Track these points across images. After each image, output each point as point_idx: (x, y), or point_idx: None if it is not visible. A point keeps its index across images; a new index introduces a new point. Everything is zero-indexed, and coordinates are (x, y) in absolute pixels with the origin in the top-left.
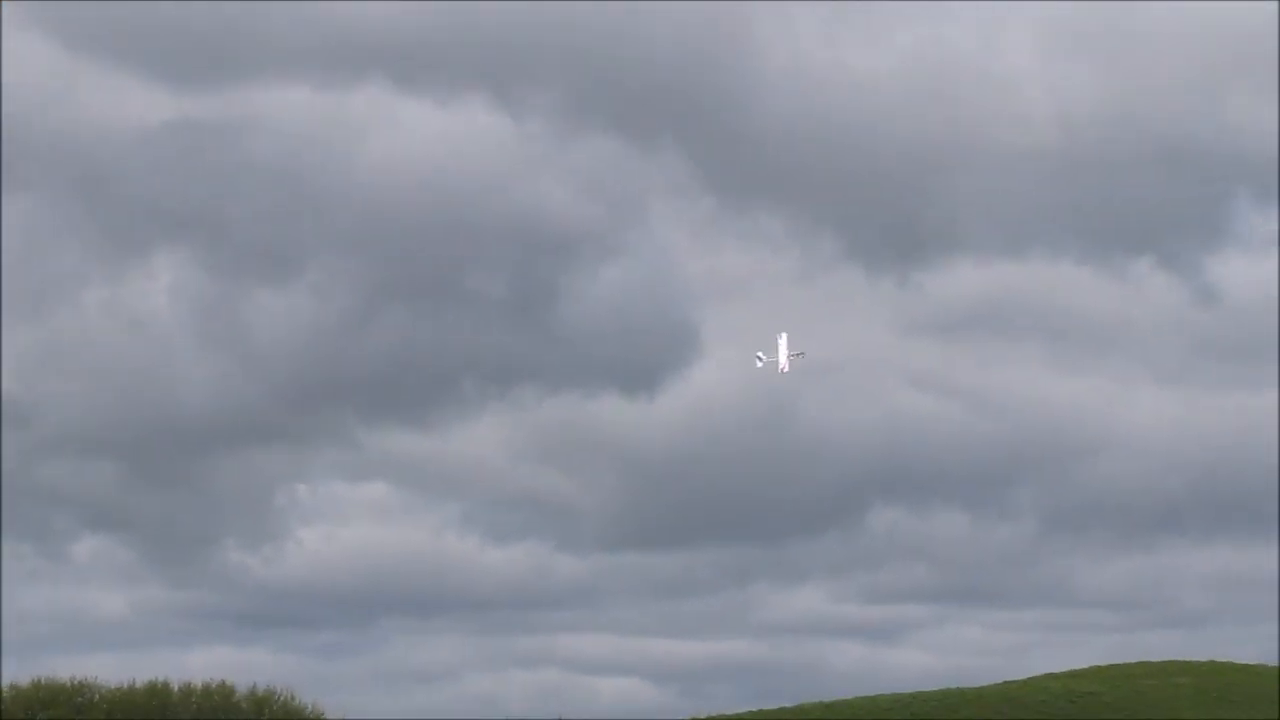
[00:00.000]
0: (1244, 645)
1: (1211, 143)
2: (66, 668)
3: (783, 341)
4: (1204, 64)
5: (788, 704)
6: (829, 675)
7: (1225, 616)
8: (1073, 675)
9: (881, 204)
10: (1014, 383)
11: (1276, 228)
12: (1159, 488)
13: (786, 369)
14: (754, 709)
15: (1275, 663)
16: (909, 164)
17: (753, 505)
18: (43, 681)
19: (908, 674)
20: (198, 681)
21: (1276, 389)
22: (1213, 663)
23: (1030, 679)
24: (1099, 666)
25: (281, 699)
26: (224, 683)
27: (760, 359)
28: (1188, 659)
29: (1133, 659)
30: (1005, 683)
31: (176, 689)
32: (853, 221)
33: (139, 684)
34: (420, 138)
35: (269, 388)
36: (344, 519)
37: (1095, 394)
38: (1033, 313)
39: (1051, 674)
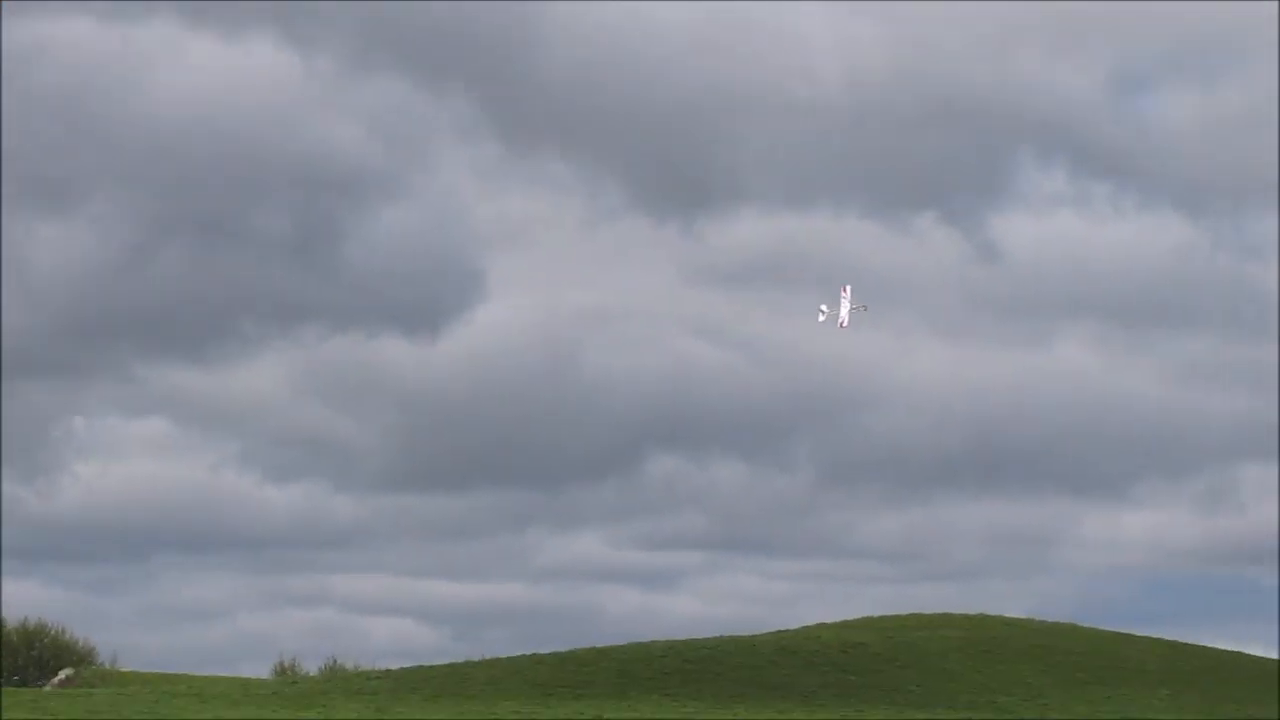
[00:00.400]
0: (1012, 599)
1: (995, 100)
2: None
3: (846, 295)
4: (990, 22)
5: (562, 648)
6: (605, 620)
7: (995, 570)
8: (845, 625)
9: (668, 153)
10: (795, 334)
11: (1058, 186)
12: (935, 442)
13: (846, 324)
14: (528, 652)
15: (1041, 617)
16: (696, 113)
17: (533, 450)
18: None
19: (682, 620)
20: None
21: (1051, 346)
22: (982, 616)
23: (803, 628)
24: (870, 617)
25: (52, 633)
26: None
27: (823, 311)
28: (957, 612)
29: (904, 610)
30: (778, 631)
31: None
32: (639, 169)
33: None
34: (207, 73)
35: (46, 320)
36: (121, 454)
37: (875, 347)
38: (815, 265)
39: (824, 624)
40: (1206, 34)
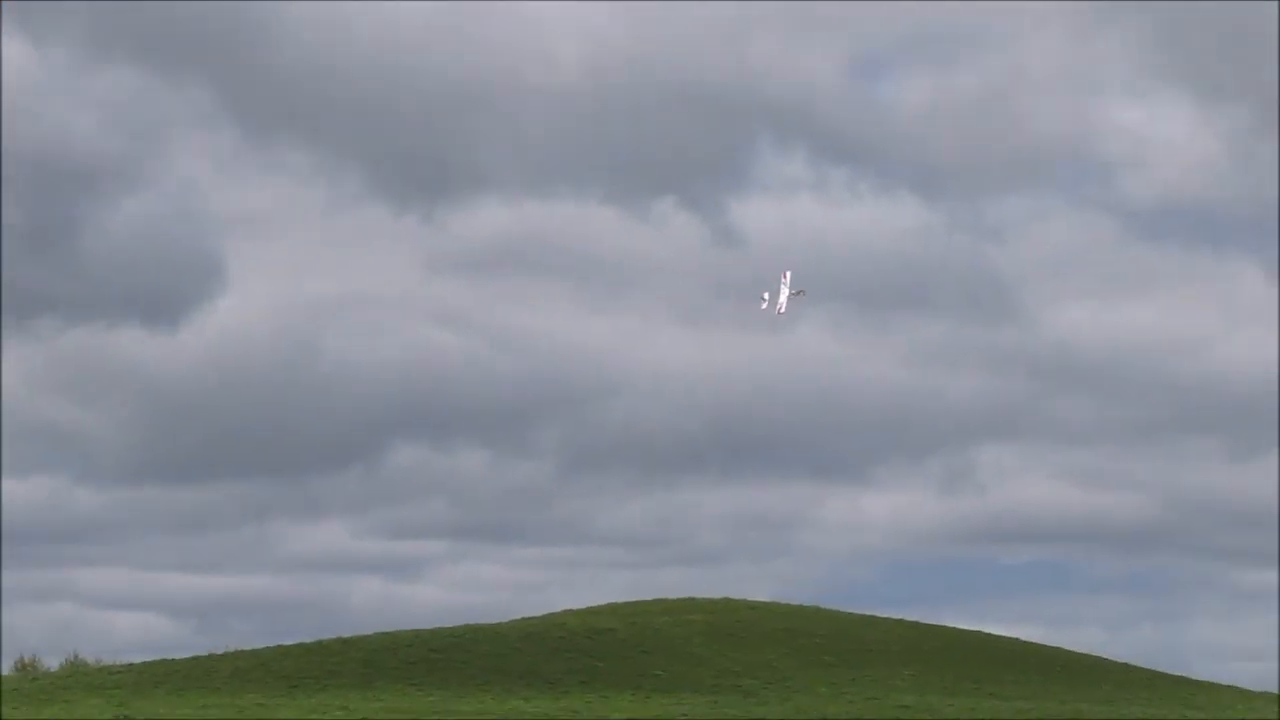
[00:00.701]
0: (757, 583)
1: (734, 87)
2: None
3: (785, 280)
4: (728, 9)
5: (307, 639)
6: (349, 611)
7: (739, 554)
8: (591, 612)
9: (408, 141)
10: (538, 321)
11: (796, 171)
12: (678, 427)
13: (784, 310)
14: (273, 644)
15: (785, 600)
16: (436, 102)
17: (275, 440)
18: None
19: (427, 610)
20: None
21: (793, 330)
22: (726, 600)
23: (548, 615)
24: (616, 604)
25: None
26: None
27: (764, 299)
28: (702, 596)
29: (650, 596)
30: (524, 619)
31: None
32: (379, 158)
33: None
34: None
35: None
36: None
37: (618, 334)
38: (558, 252)
39: (570, 610)
40: (941, 20)
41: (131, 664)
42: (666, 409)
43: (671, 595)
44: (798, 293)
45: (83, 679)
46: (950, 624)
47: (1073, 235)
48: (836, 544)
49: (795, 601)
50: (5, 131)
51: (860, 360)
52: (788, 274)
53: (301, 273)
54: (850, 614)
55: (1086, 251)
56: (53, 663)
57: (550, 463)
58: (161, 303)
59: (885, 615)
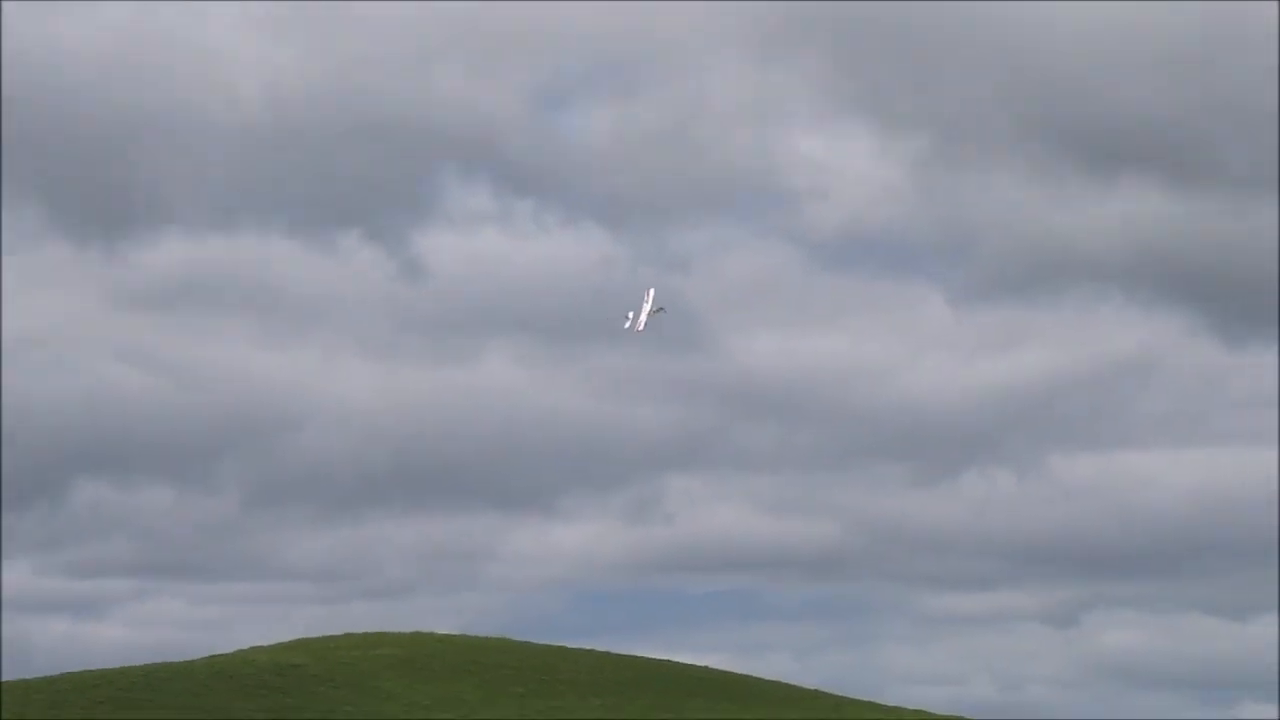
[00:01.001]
0: (445, 616)
1: (417, 118)
2: None
3: (648, 298)
4: (409, 40)
5: None
6: (33, 653)
7: (427, 587)
8: (282, 647)
9: (88, 176)
10: (222, 357)
11: (481, 203)
12: (363, 460)
13: (642, 328)
14: None
15: (474, 632)
16: (116, 136)
17: None
18: None
19: (114, 649)
20: None
21: (480, 362)
22: (415, 634)
23: (237, 651)
24: (305, 639)
25: None
26: None
27: (628, 318)
28: (391, 630)
29: (338, 631)
30: (213, 656)
31: None
32: (58, 194)
33: None
34: None
35: None
36: None
37: (302, 368)
38: (242, 286)
39: (259, 646)
40: (622, 52)
41: None
42: (351, 442)
43: (360, 629)
44: (658, 310)
45: None
46: (640, 653)
47: (758, 265)
48: (525, 575)
49: (484, 633)
50: None
51: (547, 391)
52: (650, 292)
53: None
54: (539, 645)
55: (772, 281)
56: None
57: (235, 498)
58: None
59: (575, 646)
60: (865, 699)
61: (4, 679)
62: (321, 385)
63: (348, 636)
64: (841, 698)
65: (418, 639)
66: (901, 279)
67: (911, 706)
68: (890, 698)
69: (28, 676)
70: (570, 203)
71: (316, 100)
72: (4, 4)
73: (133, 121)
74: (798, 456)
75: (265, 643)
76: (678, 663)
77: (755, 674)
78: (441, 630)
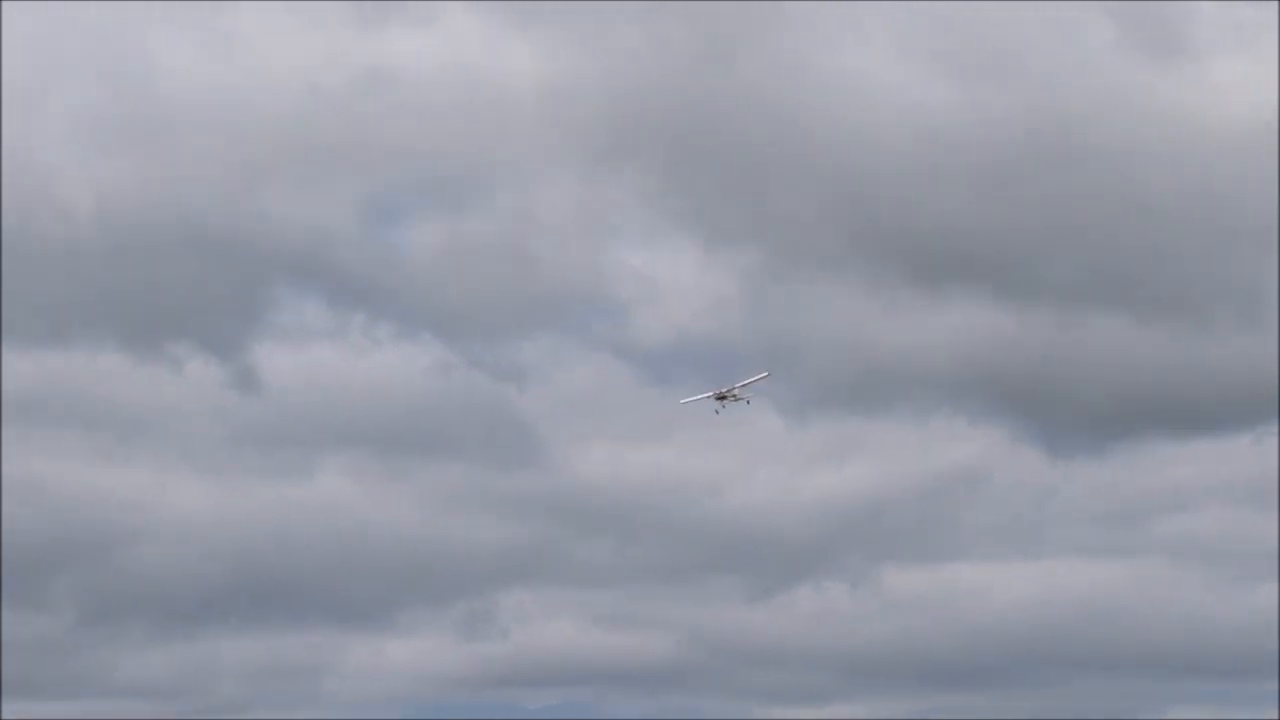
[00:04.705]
0: None
1: (250, 231)
2: None
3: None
4: (237, 153)
5: None
6: None
7: (264, 702)
8: None
9: None
10: (56, 471)
11: (315, 316)
12: (199, 575)
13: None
14: None
15: None
16: None
17: None
18: None
19: None
20: None
21: (313, 476)
22: None
23: None
24: None
25: None
26: None
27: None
28: None
29: None
30: None
31: None
32: None
33: None
34: None
35: None
36: None
37: (137, 482)
38: (75, 401)
39: None
40: (454, 165)
41: None
42: (186, 558)
43: None
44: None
45: None
46: None
47: (588, 377)
48: (363, 690)
49: None
50: None
51: (381, 505)
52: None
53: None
54: None
55: (602, 393)
56: None
57: (67, 614)
58: None
59: None
60: None
61: None
62: (156, 499)
63: None
64: None
65: None
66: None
67: None
68: None
69: None
70: (403, 315)
71: (147, 213)
72: None
73: None
74: (633, 570)
75: None
76: None
77: None
78: None
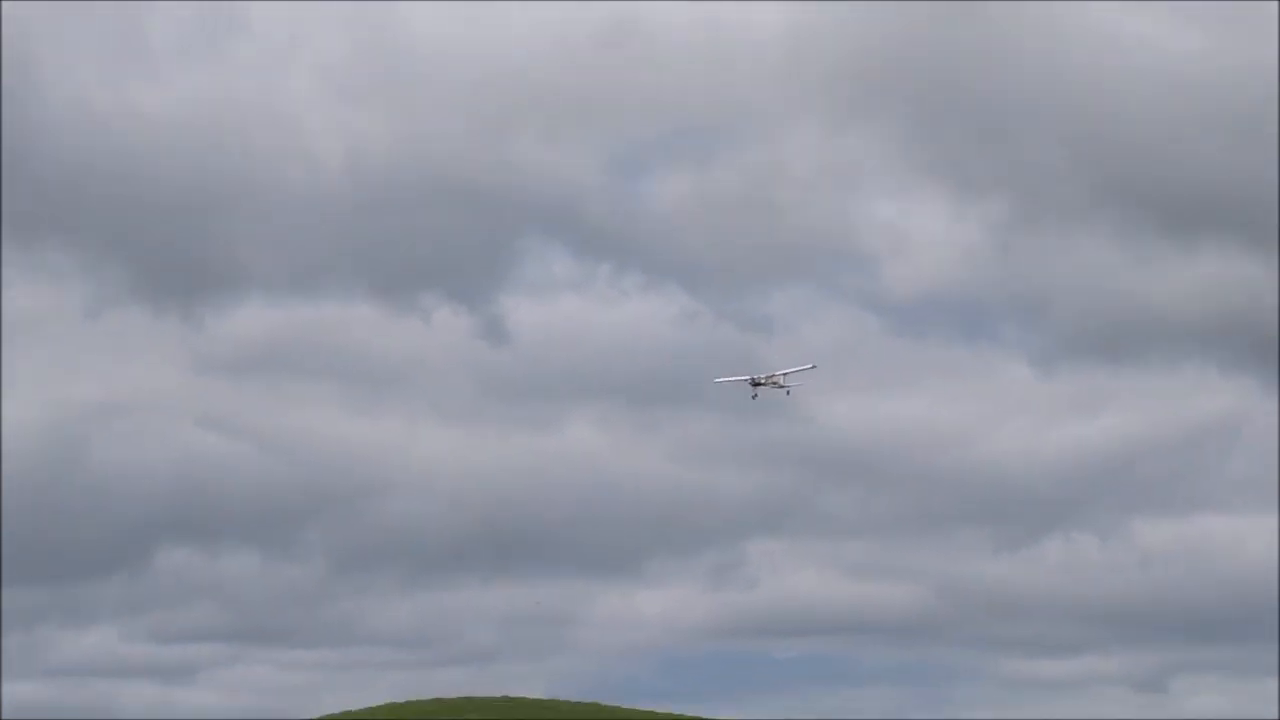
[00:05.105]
0: (531, 680)
1: (497, 183)
2: None
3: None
4: (489, 106)
5: None
6: (121, 716)
7: (513, 652)
8: (369, 712)
9: (167, 241)
10: (305, 422)
11: (562, 268)
12: (448, 526)
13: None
14: None
15: (563, 697)
16: (195, 201)
17: (40, 545)
18: None
19: (202, 713)
20: None
21: (562, 428)
22: (505, 698)
23: (327, 716)
24: (394, 703)
25: None
26: None
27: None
28: (479, 695)
29: (425, 695)
30: None
31: None
32: (138, 258)
33: None
34: None
35: None
36: None
37: (385, 433)
38: (324, 351)
39: (348, 712)
40: (700, 117)
41: None
42: (436, 507)
43: (448, 694)
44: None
45: None
46: (725, 717)
47: (837, 328)
48: (610, 640)
49: (572, 697)
50: None
51: (630, 456)
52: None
53: (65, 375)
54: (627, 709)
55: (852, 345)
56: None
57: (319, 564)
58: None
59: (661, 710)
60: None
61: None
62: (405, 450)
63: (436, 701)
64: None
65: (506, 704)
66: (980, 342)
67: None
68: None
69: None
70: (649, 266)
71: (397, 165)
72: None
73: (213, 188)
74: (879, 521)
75: (354, 708)
76: None
77: None
78: (529, 695)
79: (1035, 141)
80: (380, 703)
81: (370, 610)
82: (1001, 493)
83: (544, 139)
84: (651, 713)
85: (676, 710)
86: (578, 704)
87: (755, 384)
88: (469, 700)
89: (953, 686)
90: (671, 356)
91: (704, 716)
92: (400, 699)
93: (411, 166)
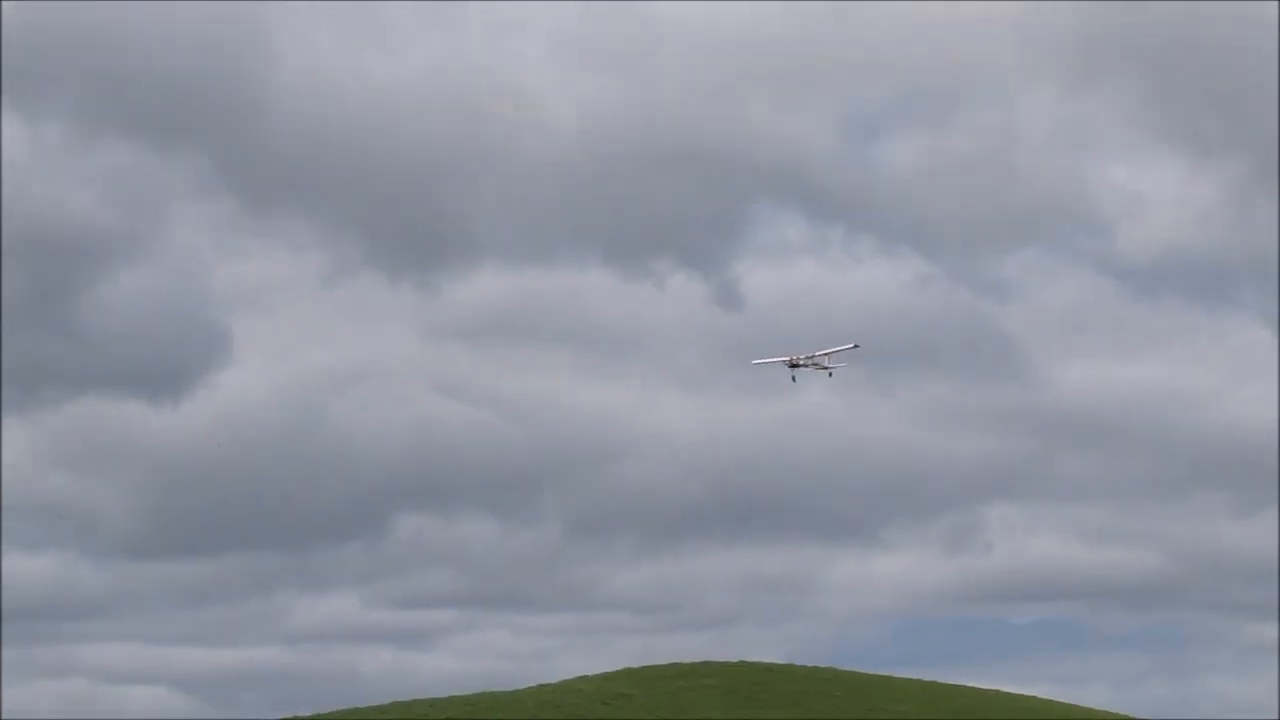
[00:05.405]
0: (768, 646)
1: (729, 148)
2: None
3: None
4: (719, 71)
5: (323, 710)
6: (360, 681)
7: (749, 617)
8: (605, 678)
9: (402, 209)
10: (541, 388)
11: (795, 232)
12: (683, 491)
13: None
14: (286, 715)
15: (800, 662)
16: (430, 170)
17: (280, 511)
18: None
19: (440, 678)
20: None
21: (796, 393)
22: (742, 663)
23: (563, 681)
24: (631, 669)
25: None
26: None
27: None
28: (717, 660)
29: (660, 661)
30: (539, 686)
31: None
32: (374, 226)
33: None
34: None
35: None
36: None
37: (620, 399)
38: (558, 318)
39: (584, 676)
40: (930, 80)
41: None
42: (670, 473)
43: (685, 659)
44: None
45: None
46: (964, 683)
47: (1072, 292)
48: (846, 605)
49: (809, 663)
50: (3, 207)
51: (865, 421)
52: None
53: (302, 343)
54: (865, 674)
55: (1087, 308)
56: None
57: (555, 529)
58: (164, 374)
59: (900, 675)
60: None
61: (334, 708)
62: (639, 416)
63: (673, 666)
64: None
65: (744, 669)
66: (1217, 305)
67: None
68: None
69: (358, 705)
70: (883, 230)
71: (630, 131)
72: (322, 43)
73: (448, 156)
74: (1118, 485)
75: (590, 673)
76: (1004, 692)
77: (1077, 703)
78: (766, 660)
79: (1271, 100)
80: (617, 667)
81: (607, 575)
82: (1240, 456)
83: (777, 104)
84: (890, 677)
85: (914, 675)
86: (815, 669)
87: (793, 365)
88: (707, 665)
89: (1191, 651)
90: (906, 320)
91: (943, 681)
92: (637, 664)
93: (645, 133)
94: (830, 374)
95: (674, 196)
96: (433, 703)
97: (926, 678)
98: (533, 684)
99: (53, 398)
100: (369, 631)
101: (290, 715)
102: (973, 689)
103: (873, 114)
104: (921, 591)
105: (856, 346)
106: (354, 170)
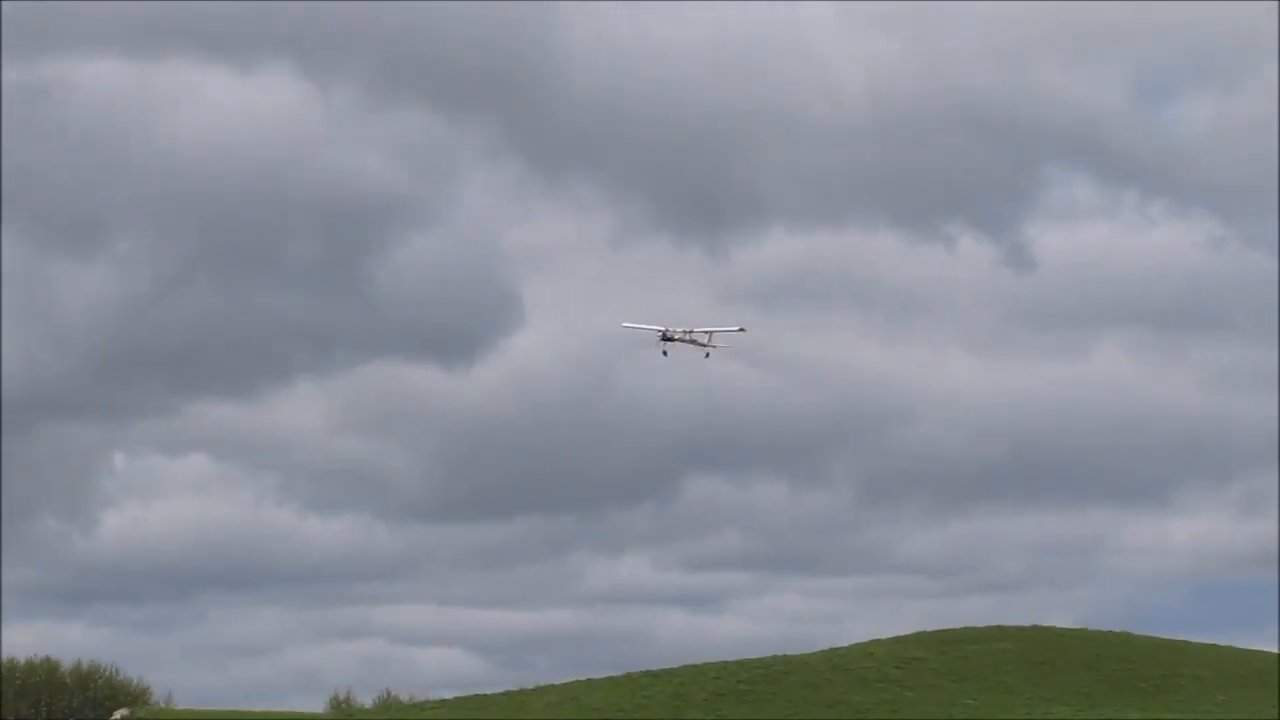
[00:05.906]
0: (1060, 609)
1: (1019, 111)
2: None
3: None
4: (1009, 32)
5: (615, 673)
6: (652, 643)
7: (1041, 581)
8: (897, 641)
9: (691, 173)
10: (829, 351)
11: (1086, 194)
12: (974, 455)
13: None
14: (579, 678)
15: (1093, 627)
16: (718, 133)
17: (572, 475)
18: None
19: (732, 641)
20: (20, 658)
21: (1089, 355)
22: (1034, 627)
23: (855, 645)
24: (923, 632)
25: (106, 673)
26: (48, 659)
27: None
28: (1009, 624)
29: (951, 624)
30: (830, 649)
31: None
32: (662, 190)
33: None
34: (226, 108)
35: (81, 360)
36: (163, 491)
37: (910, 361)
38: (846, 281)
39: (876, 640)
40: (1223, 39)
41: (444, 700)
42: (961, 436)
43: (978, 623)
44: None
45: (397, 714)
46: (1262, 648)
47: None
48: (1139, 568)
49: (1103, 627)
50: (294, 173)
51: (1158, 384)
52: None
53: (592, 306)
54: (1159, 639)
55: None
56: (366, 699)
57: (846, 492)
58: (456, 338)
59: (1196, 640)
60: None
61: (627, 670)
62: (930, 378)
63: (966, 630)
64: None
65: (1037, 633)
66: None
67: None
68: None
69: (652, 668)
70: (1176, 193)
71: (919, 93)
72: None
73: (736, 120)
74: None
75: (882, 636)
76: None
77: None
78: (1060, 624)
79: None
80: (909, 631)
81: (897, 538)
82: None
83: (1067, 65)
84: (1185, 642)
85: (1210, 640)
86: (1109, 633)
87: (667, 338)
88: (1000, 629)
89: None
90: (1199, 283)
91: (1237, 646)
92: (929, 628)
93: (934, 95)
94: (707, 355)
95: (964, 159)
96: (724, 665)
97: (1223, 642)
98: (824, 647)
99: (346, 361)
100: (660, 594)
101: (586, 678)
102: (1270, 653)
103: (1164, 75)
104: (1215, 555)
105: (743, 330)
106: (641, 134)
